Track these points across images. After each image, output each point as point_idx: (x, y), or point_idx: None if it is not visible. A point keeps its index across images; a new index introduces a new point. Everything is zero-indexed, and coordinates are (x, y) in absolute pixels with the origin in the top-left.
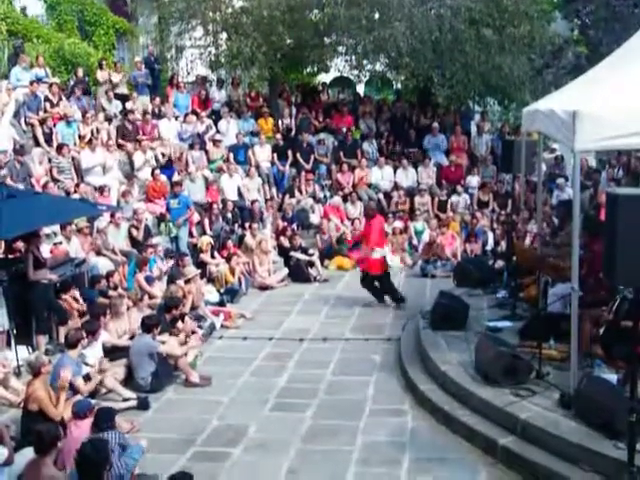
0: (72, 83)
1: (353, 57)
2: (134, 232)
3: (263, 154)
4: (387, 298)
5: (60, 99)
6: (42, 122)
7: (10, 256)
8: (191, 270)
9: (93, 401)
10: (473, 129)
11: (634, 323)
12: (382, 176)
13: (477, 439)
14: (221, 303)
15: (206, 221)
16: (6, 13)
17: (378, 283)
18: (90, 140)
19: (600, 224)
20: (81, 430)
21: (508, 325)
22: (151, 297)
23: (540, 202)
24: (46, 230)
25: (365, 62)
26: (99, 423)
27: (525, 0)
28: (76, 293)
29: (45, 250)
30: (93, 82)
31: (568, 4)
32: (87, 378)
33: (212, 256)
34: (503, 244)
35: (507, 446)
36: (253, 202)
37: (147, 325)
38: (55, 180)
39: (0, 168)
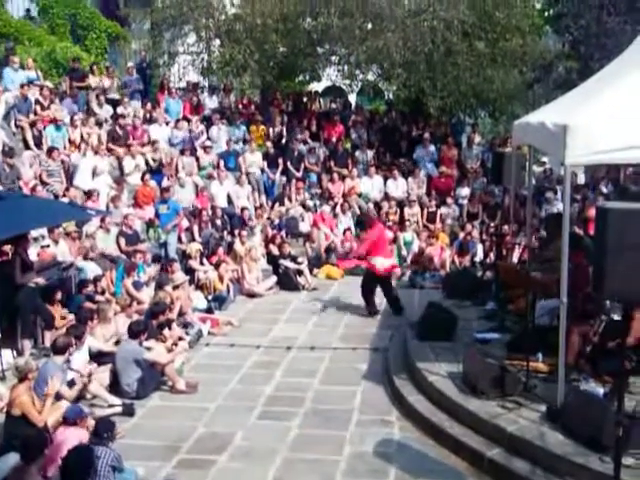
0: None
1: (345, 67)
2: (120, 240)
3: (253, 161)
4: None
5: (51, 102)
6: (32, 125)
7: None
8: (180, 276)
9: (86, 409)
10: (464, 141)
11: (621, 338)
12: (372, 186)
13: (464, 451)
14: (209, 310)
15: (195, 227)
16: None
17: (381, 287)
18: (80, 144)
19: (579, 238)
20: (65, 437)
21: (496, 337)
22: (139, 303)
23: (530, 215)
24: (33, 233)
25: (357, 72)
26: (99, 433)
27: (517, 14)
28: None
29: (32, 253)
30: (84, 86)
31: (559, 19)
32: (71, 384)
33: (201, 263)
34: (492, 256)
35: (494, 458)
36: (243, 209)
37: (134, 331)
38: (44, 183)
39: None
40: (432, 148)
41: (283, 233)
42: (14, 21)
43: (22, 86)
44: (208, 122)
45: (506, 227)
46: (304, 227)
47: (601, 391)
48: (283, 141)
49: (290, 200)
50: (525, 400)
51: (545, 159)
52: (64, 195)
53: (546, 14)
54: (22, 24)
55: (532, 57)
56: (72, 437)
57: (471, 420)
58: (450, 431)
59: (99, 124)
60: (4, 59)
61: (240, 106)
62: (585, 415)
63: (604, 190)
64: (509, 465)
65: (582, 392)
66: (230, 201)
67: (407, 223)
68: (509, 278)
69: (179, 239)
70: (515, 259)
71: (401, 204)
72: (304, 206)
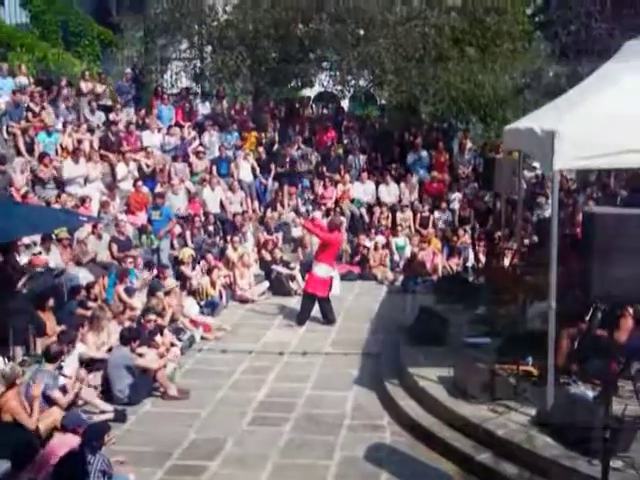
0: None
1: (337, 72)
2: (113, 246)
3: (246, 167)
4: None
5: (42, 108)
6: (24, 131)
7: None
8: (170, 282)
9: (84, 415)
10: (455, 146)
11: (608, 335)
12: (364, 191)
13: (455, 455)
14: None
15: (187, 233)
16: None
17: (319, 305)
18: (73, 151)
19: (576, 240)
20: (57, 443)
21: (487, 341)
22: (131, 309)
23: (520, 220)
24: (25, 240)
25: (349, 78)
26: (88, 439)
27: (508, 20)
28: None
29: (24, 260)
30: (76, 93)
31: (549, 25)
32: (64, 390)
33: (193, 268)
34: (484, 260)
35: (483, 462)
36: (235, 215)
37: (126, 337)
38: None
39: None
40: (424, 153)
41: (276, 235)
42: (5, 27)
43: (14, 92)
44: (200, 128)
45: (498, 232)
46: (296, 232)
47: (591, 394)
48: (275, 147)
49: (282, 206)
50: (515, 404)
51: (536, 164)
52: (56, 202)
53: (536, 19)
54: (14, 30)
55: (522, 63)
56: (64, 444)
57: (461, 424)
58: (441, 435)
59: (91, 130)
60: None
61: (232, 112)
62: (574, 418)
63: (593, 195)
64: (498, 469)
65: (571, 395)
66: (222, 207)
67: (399, 228)
68: (500, 280)
69: (171, 245)
70: (506, 263)
71: (393, 209)
72: (296, 212)
